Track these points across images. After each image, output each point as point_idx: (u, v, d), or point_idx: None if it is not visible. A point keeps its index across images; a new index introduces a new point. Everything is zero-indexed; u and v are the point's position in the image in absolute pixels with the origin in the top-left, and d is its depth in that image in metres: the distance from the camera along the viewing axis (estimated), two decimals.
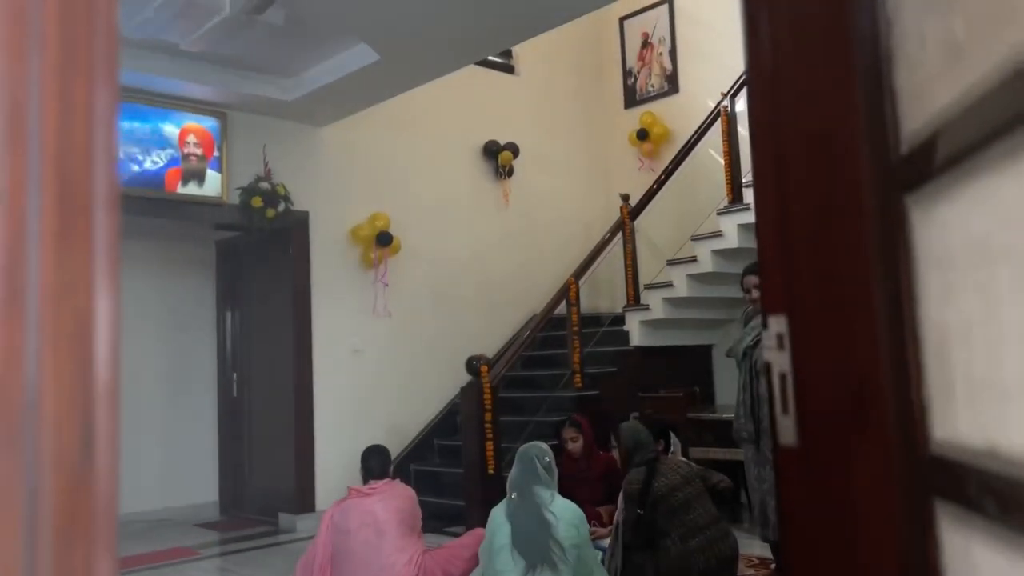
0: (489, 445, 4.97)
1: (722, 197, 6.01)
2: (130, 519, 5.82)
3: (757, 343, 4.07)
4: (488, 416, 4.96)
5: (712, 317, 6.53)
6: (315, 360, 5.82)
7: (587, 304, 6.36)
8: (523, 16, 4.38)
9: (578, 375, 5.92)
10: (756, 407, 3.99)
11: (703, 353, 6.68)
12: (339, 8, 4.21)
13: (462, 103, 6.83)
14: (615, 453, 3.51)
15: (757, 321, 4.18)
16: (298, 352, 5.76)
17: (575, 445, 4.38)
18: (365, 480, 3.66)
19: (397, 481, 3.76)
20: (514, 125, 7.19)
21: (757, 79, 0.96)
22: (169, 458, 6.18)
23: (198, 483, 6.30)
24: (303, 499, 5.72)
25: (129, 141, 4.98)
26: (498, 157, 6.97)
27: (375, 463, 3.73)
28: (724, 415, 5.42)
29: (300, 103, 5.42)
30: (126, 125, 4.97)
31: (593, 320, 6.54)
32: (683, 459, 3.83)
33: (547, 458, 3.16)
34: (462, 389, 5.20)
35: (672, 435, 3.93)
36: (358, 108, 5.67)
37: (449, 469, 5.75)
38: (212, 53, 4.79)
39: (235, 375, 6.43)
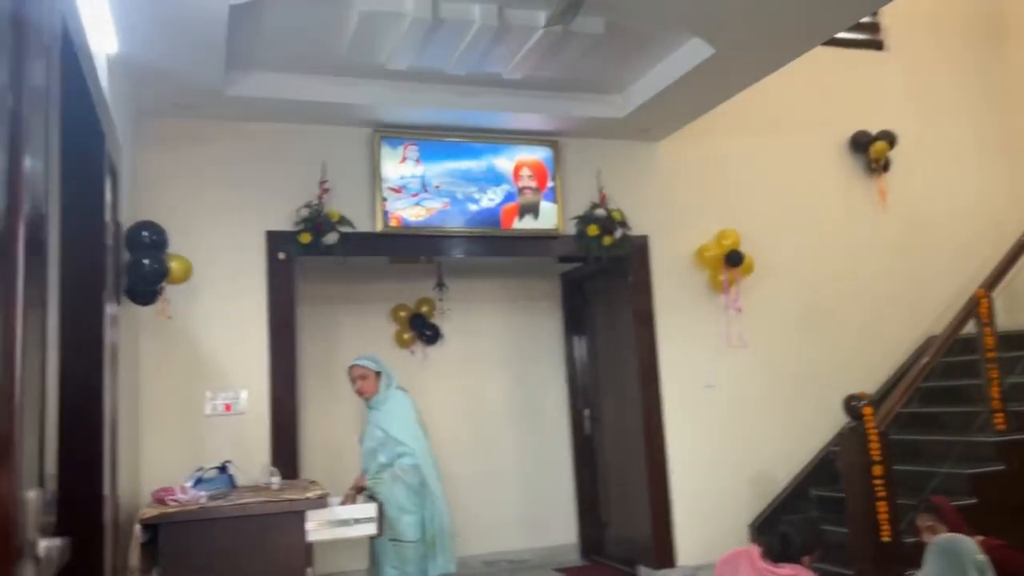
0: (881, 505, 3.99)
1: None
2: (492, 559, 5.79)
3: None
4: (877, 470, 3.99)
5: None
6: (664, 397, 5.28)
7: (1005, 321, 5.00)
8: None
9: (999, 414, 4.62)
10: None
11: None
12: None
13: (819, 92, 5.88)
14: None
15: None
16: (645, 388, 5.28)
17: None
18: (771, 554, 2.93)
19: (808, 572, 2.98)
20: (887, 110, 6.02)
21: None
22: (528, 497, 6.06)
23: (558, 524, 6.09)
24: (662, 552, 5.18)
25: (466, 181, 4.96)
26: (869, 150, 5.86)
27: (793, 537, 2.93)
28: None
29: (633, 119, 4.99)
30: (462, 165, 4.96)
31: (1016, 341, 5.12)
32: None
33: (980, 556, 2.24)
34: (840, 435, 4.28)
35: None
36: (696, 114, 5.07)
37: (833, 527, 4.80)
38: (540, 80, 4.57)
39: (586, 411, 6.16)
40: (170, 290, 3.98)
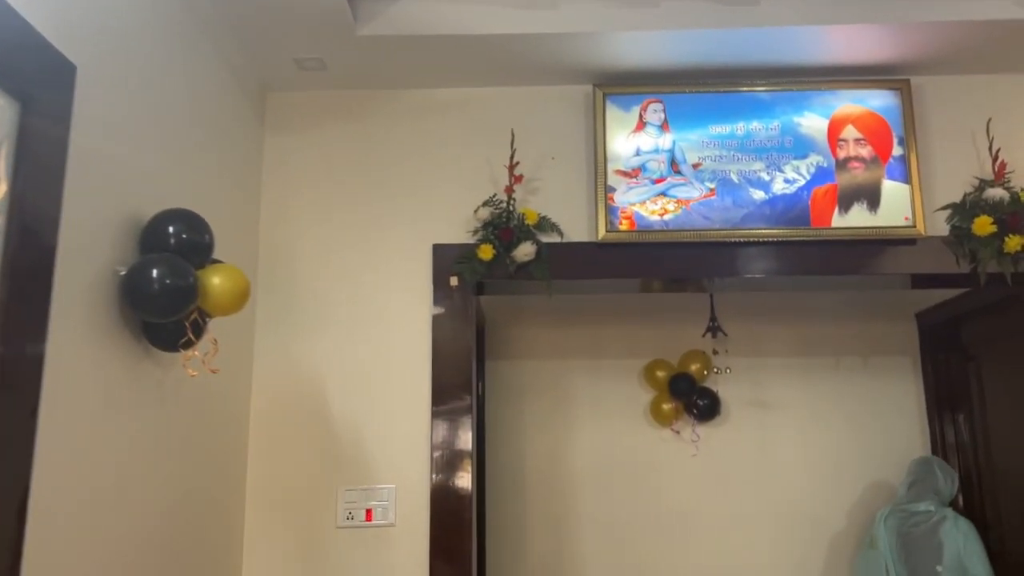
0: None
1: None
2: None
3: None
4: None
5: None
6: None
7: None
8: None
9: None
10: None
11: None
12: None
13: None
14: None
15: None
16: None
17: None
18: None
19: None
20: None
21: None
22: None
23: None
24: None
25: (746, 152, 3.03)
26: None
27: None
28: None
29: None
30: (739, 127, 3.04)
31: None
32: None
33: None
34: None
35: None
36: None
37: None
38: None
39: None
40: (229, 325, 2.56)
